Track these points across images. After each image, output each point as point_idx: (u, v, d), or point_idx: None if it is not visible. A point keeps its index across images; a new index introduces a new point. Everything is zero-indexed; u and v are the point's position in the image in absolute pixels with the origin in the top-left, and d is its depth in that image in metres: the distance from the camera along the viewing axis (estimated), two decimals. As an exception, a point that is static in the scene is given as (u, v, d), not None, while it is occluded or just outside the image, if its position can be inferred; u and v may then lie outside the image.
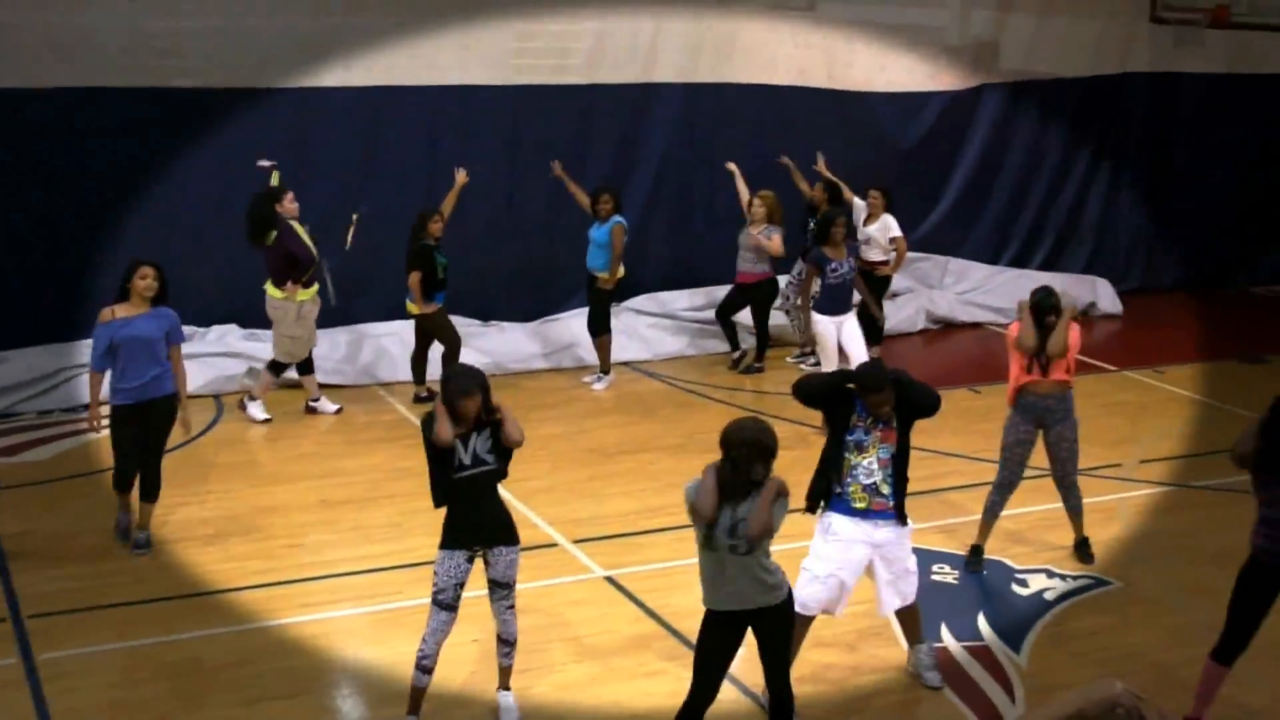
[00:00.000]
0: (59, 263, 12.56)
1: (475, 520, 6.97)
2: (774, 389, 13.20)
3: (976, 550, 9.27)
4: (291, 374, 12.38)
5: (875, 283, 13.82)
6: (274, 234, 11.61)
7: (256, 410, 11.95)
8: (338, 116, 13.33)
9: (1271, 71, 17.43)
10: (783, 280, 13.97)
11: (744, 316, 13.91)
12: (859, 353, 11.69)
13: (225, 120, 12.89)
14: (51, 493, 10.28)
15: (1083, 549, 9.37)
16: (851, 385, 7.38)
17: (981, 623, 8.45)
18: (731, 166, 13.94)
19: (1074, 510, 9.33)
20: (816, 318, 11.94)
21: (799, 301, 13.90)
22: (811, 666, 7.76)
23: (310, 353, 12.07)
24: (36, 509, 9.97)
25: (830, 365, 11.69)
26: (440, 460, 6.87)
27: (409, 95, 13.59)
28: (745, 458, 6.23)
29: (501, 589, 7.09)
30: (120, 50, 12.49)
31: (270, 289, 11.78)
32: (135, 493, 9.22)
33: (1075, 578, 9.11)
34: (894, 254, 13.57)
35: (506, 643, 7.22)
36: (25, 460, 10.99)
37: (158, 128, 12.74)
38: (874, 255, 13.65)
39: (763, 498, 6.23)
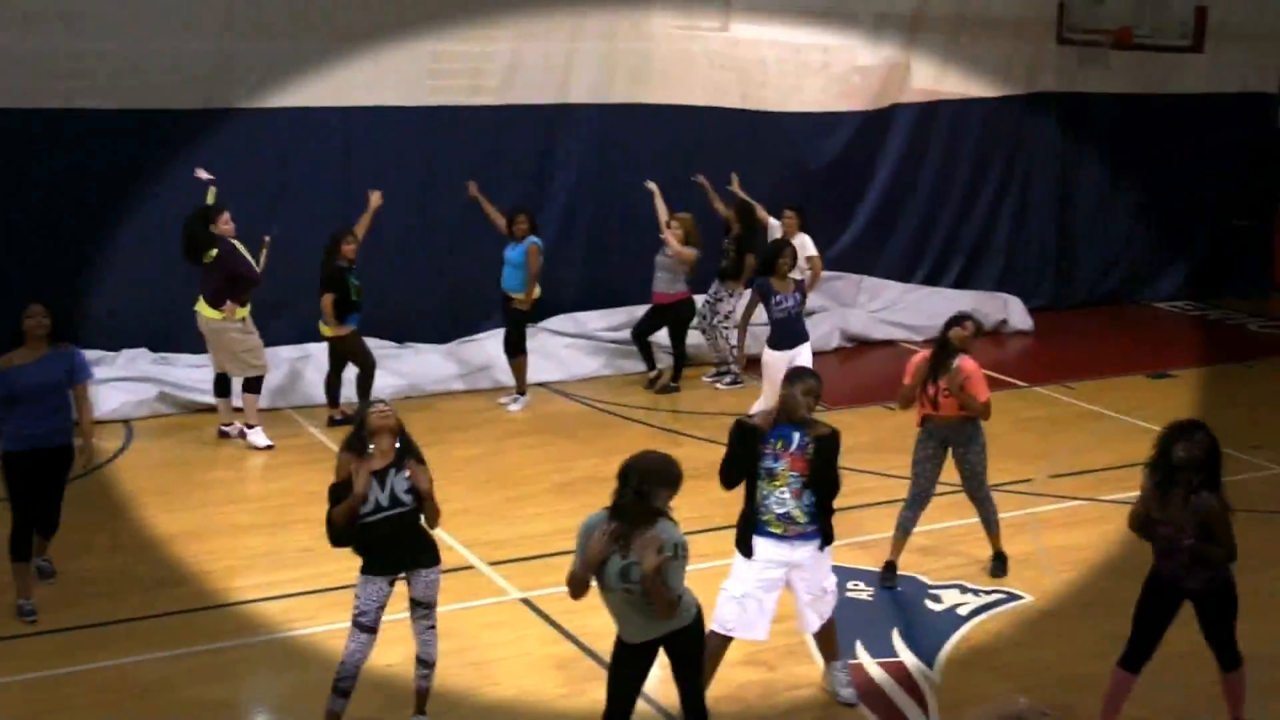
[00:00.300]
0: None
1: (396, 552, 6.96)
2: (691, 408, 13.23)
3: (890, 566, 9.34)
4: (209, 398, 12.23)
5: None
6: (214, 252, 11.46)
7: (258, 437, 11.77)
8: (250, 138, 13.19)
9: (1174, 91, 17.79)
10: (699, 299, 14.01)
11: (661, 336, 13.93)
12: None
13: (133, 142, 12.71)
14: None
15: (997, 563, 9.46)
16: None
17: (896, 639, 8.51)
18: (651, 186, 13.96)
19: (987, 523, 9.43)
20: (766, 352, 11.63)
21: (714, 321, 13.96)
22: (729, 685, 7.77)
23: (230, 378, 11.93)
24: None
25: (765, 402, 11.21)
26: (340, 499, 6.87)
27: (322, 117, 13.49)
28: (650, 487, 6.12)
29: (422, 608, 7.07)
30: (23, 71, 12.28)
31: (205, 310, 11.61)
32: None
33: (988, 592, 9.20)
34: (809, 273, 13.65)
35: (425, 664, 7.18)
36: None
37: (61, 152, 12.55)
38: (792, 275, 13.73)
39: (646, 563, 6.01)
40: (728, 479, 7.38)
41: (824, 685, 7.84)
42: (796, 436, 7.24)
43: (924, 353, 9.27)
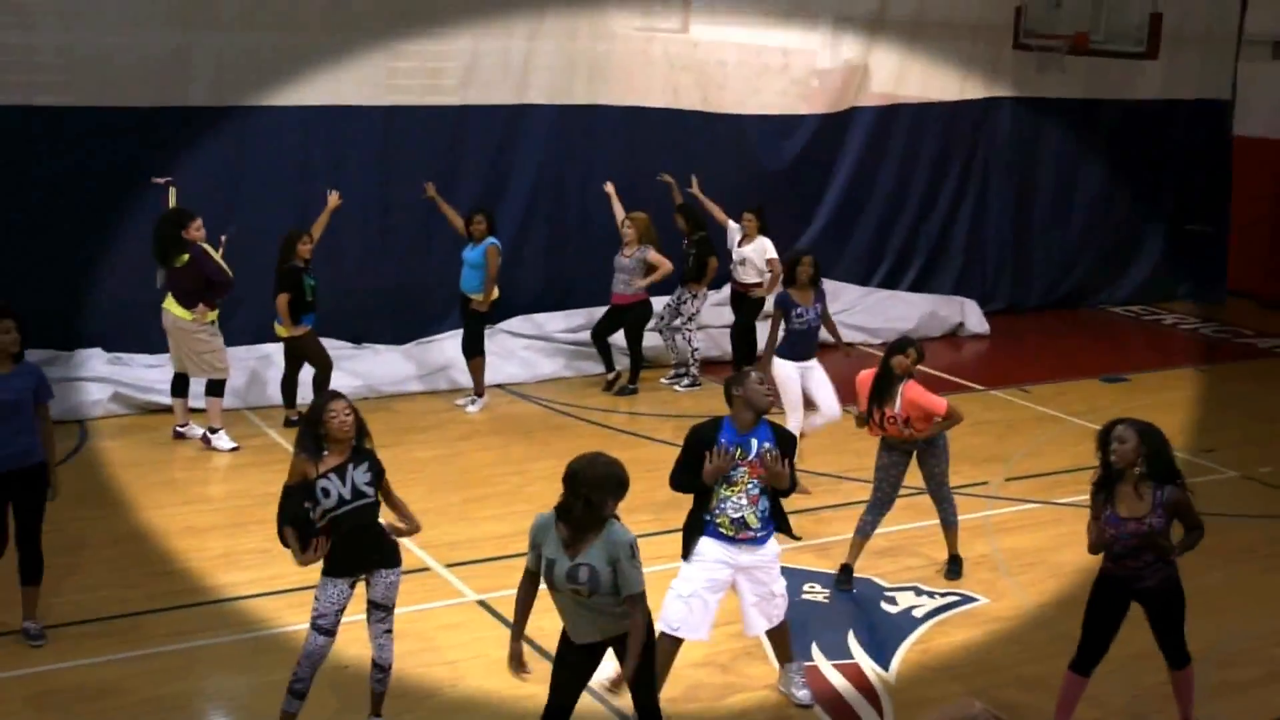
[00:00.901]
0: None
1: (358, 551, 6.91)
2: (649, 410, 13.25)
3: (846, 569, 9.37)
4: (165, 398, 12.15)
5: (749, 304, 13.96)
6: (185, 258, 11.40)
7: (222, 441, 11.68)
8: (205, 136, 13.11)
9: (1129, 97, 17.97)
10: (659, 302, 14.03)
11: (619, 338, 13.93)
12: (828, 400, 11.06)
13: (86, 139, 12.61)
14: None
15: (953, 565, 9.51)
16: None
17: (851, 641, 8.54)
18: (608, 187, 13.97)
19: (946, 525, 9.48)
20: (778, 363, 11.04)
21: (674, 323, 13.97)
22: (683, 686, 7.78)
23: (189, 378, 11.85)
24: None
25: (795, 415, 10.94)
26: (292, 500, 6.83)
27: (279, 115, 13.41)
28: (600, 496, 6.10)
29: (380, 610, 7.03)
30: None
31: (175, 308, 11.54)
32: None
33: (943, 594, 9.26)
34: (769, 276, 13.69)
35: (381, 668, 7.15)
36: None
37: (13, 146, 12.42)
38: (749, 277, 13.79)
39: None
40: (681, 485, 7.38)
41: (779, 687, 7.86)
42: (754, 444, 7.27)
43: (869, 372, 9.26)
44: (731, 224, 14.00)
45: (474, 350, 13.02)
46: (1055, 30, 15.58)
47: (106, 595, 8.85)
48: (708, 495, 7.31)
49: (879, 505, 9.32)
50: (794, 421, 10.91)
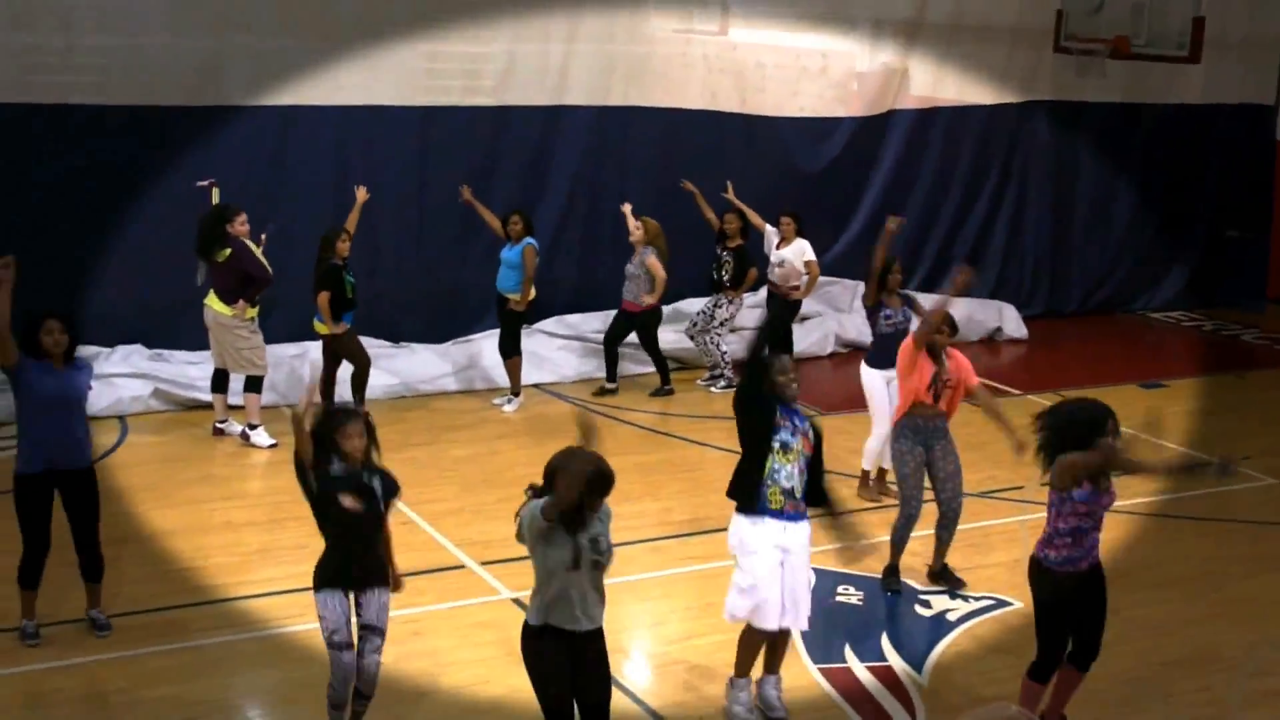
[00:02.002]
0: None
1: (356, 561, 6.87)
2: (682, 411, 13.26)
3: (893, 570, 9.33)
4: (205, 394, 12.26)
5: (787, 307, 13.94)
6: (227, 252, 11.50)
7: (261, 437, 11.77)
8: (243, 136, 13.21)
9: (1170, 101, 17.86)
10: (697, 304, 14.03)
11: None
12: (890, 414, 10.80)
13: (128, 139, 12.72)
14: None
15: (945, 574, 9.47)
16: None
17: (885, 643, 8.54)
18: (625, 208, 13.86)
19: (952, 530, 9.37)
20: (865, 371, 10.85)
21: (708, 325, 13.93)
22: (720, 685, 7.79)
23: (229, 375, 11.95)
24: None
25: (882, 426, 10.58)
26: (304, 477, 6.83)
27: (317, 115, 13.50)
28: (592, 499, 6.16)
29: (375, 636, 6.95)
30: (14, 66, 12.30)
31: (216, 304, 11.65)
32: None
33: (977, 598, 9.23)
34: (806, 279, 13.68)
35: (365, 697, 7.04)
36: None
37: (54, 146, 12.54)
38: (788, 280, 13.76)
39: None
40: (744, 395, 7.49)
41: (754, 701, 7.65)
42: (796, 420, 7.40)
43: (906, 342, 9.18)
44: (769, 228, 13.99)
45: (511, 350, 13.07)
46: (1096, 34, 15.51)
47: (144, 589, 8.93)
48: (762, 457, 7.32)
49: (915, 519, 9.20)
50: (880, 430, 10.66)
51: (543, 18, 14.33)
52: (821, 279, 14.96)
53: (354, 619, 6.91)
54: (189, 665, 8.00)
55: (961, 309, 16.00)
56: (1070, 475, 6.83)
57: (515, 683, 7.84)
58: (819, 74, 16.02)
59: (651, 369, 13.97)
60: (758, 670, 7.65)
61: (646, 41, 14.98)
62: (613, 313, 14.54)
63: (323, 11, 13.34)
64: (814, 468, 7.47)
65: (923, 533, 9.51)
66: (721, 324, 13.91)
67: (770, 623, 7.40)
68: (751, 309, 14.91)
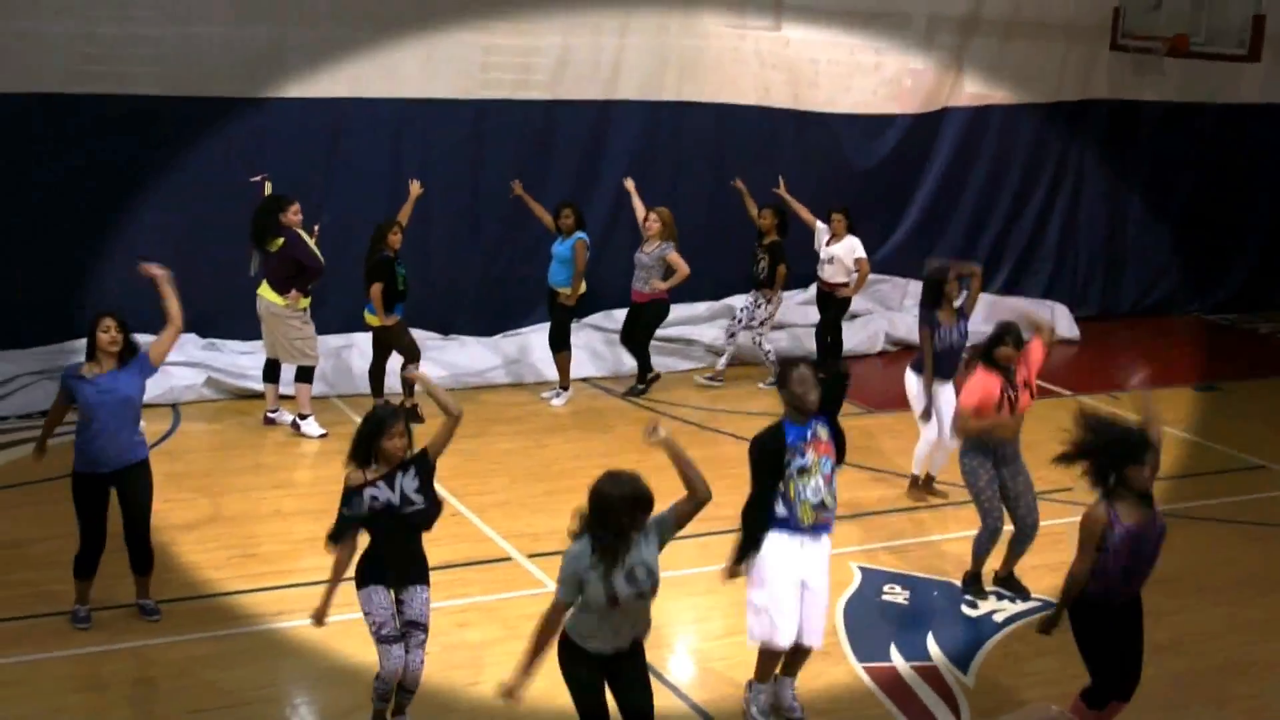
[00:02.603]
0: (8, 272, 12.47)
1: (398, 560, 6.94)
2: (730, 406, 13.24)
3: (975, 577, 9.27)
4: (256, 384, 12.36)
5: (835, 304, 13.91)
6: (280, 241, 11.60)
7: (311, 427, 11.87)
8: (299, 127, 13.30)
9: (1228, 101, 17.67)
10: (739, 302, 14.01)
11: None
12: (944, 428, 10.61)
13: (184, 129, 12.83)
14: (3, 500, 10.21)
15: (1010, 582, 9.39)
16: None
17: (930, 643, 8.50)
18: (628, 184, 13.88)
19: (1027, 544, 9.27)
20: (911, 379, 10.82)
21: (750, 325, 13.88)
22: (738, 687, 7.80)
23: (280, 365, 12.04)
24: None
25: (930, 432, 10.72)
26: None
27: (371, 107, 13.58)
28: (631, 520, 6.05)
29: (420, 631, 7.00)
30: (73, 56, 12.41)
31: (269, 293, 11.76)
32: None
33: (1025, 600, 9.17)
34: (856, 275, 13.64)
35: (409, 690, 7.11)
36: (-24, 466, 10.94)
37: (114, 136, 12.67)
38: (837, 276, 13.73)
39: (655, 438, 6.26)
40: (763, 501, 7.32)
41: (770, 700, 7.64)
42: (809, 430, 7.26)
43: (978, 379, 9.01)
44: (819, 224, 13.95)
45: (560, 344, 13.10)
46: (1154, 32, 15.39)
47: (194, 576, 9.03)
48: (769, 499, 7.25)
49: (998, 533, 9.11)
50: (929, 436, 10.70)
51: (596, 12, 14.34)
52: (872, 276, 14.92)
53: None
54: (237, 651, 8.08)
55: (1012, 309, 15.95)
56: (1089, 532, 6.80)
57: (560, 676, 7.88)
58: (872, 70, 15.94)
59: (693, 364, 13.95)
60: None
61: (699, 36, 14.96)
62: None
63: (379, 4, 13.42)
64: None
65: (962, 534, 9.47)
66: (762, 323, 13.87)
67: (785, 642, 7.39)
68: (802, 305, 14.89)
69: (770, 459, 7.24)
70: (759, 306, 13.81)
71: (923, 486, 11.00)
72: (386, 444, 6.79)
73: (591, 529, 6.08)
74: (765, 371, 13.84)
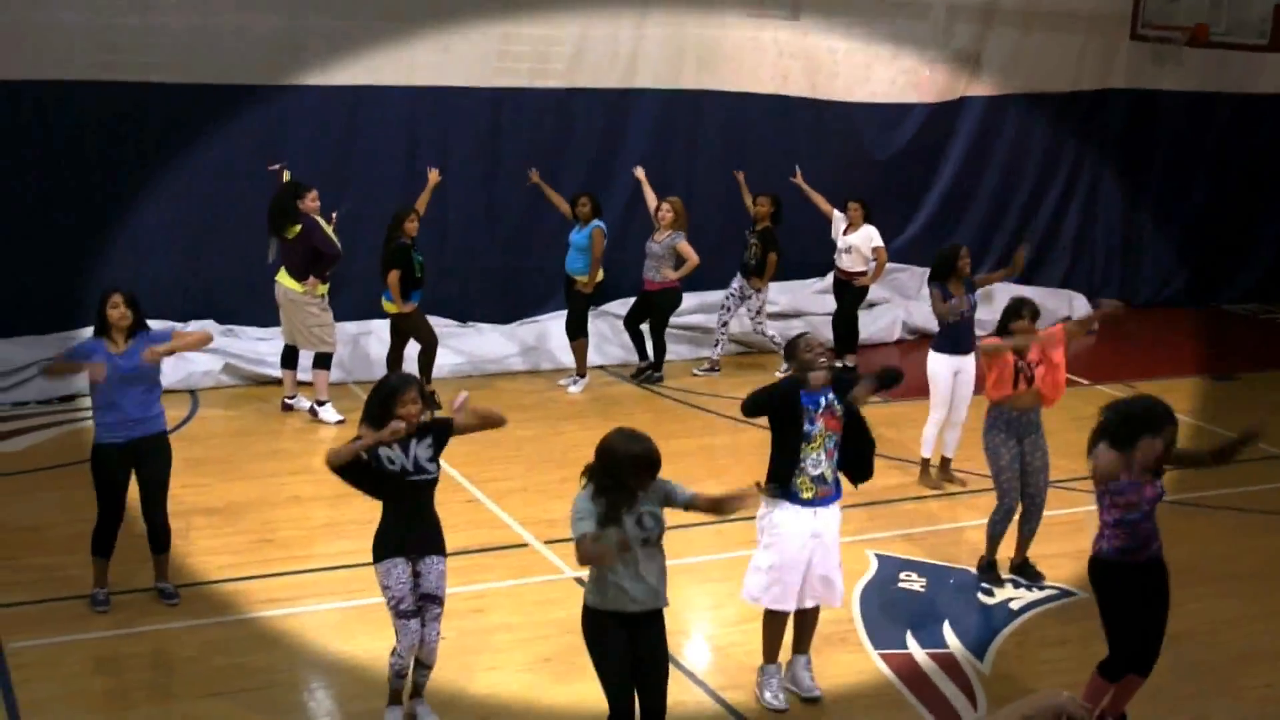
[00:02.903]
0: (33, 258, 12.52)
1: (414, 529, 6.95)
2: (732, 393, 13.23)
3: (992, 565, 9.27)
4: (274, 370, 12.41)
5: (852, 292, 13.90)
6: (298, 228, 11.62)
7: (329, 413, 11.91)
8: (316, 115, 13.34)
9: (1248, 91, 17.58)
10: (720, 294, 14.03)
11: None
12: (960, 408, 10.77)
13: (202, 117, 12.88)
14: (23, 484, 10.28)
15: (1027, 569, 9.39)
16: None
17: (947, 630, 8.50)
18: (638, 172, 13.93)
19: (1035, 523, 9.31)
20: (933, 357, 10.81)
21: (738, 311, 13.84)
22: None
23: (298, 351, 12.08)
24: (7, 500, 9.97)
25: (940, 412, 10.75)
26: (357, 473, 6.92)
27: (388, 95, 13.60)
28: (635, 479, 6.16)
29: (435, 605, 7.03)
30: (93, 45, 12.46)
31: (287, 280, 11.79)
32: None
33: (1041, 587, 9.17)
34: (874, 264, 13.63)
35: (426, 666, 7.14)
36: (-2, 451, 11.00)
37: (133, 124, 12.73)
38: (855, 265, 13.73)
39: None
40: (753, 410, 7.43)
41: (784, 680, 7.66)
42: (822, 400, 7.33)
43: (993, 340, 9.08)
44: (836, 213, 13.93)
45: (577, 331, 13.12)
46: (1174, 21, 15.32)
47: (212, 560, 9.06)
48: (794, 453, 7.30)
49: (1012, 512, 9.13)
50: (937, 416, 10.75)
51: (614, 1, 14.34)
52: (890, 265, 14.89)
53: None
54: (254, 636, 8.12)
55: (1032, 298, 15.89)
56: (1102, 472, 6.77)
57: (578, 660, 7.89)
58: (891, 60, 15.91)
59: (708, 352, 13.96)
60: (786, 654, 7.68)
61: (717, 25, 14.95)
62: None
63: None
64: (860, 444, 7.45)
65: (979, 522, 9.44)
66: (758, 311, 13.85)
67: (788, 604, 7.44)
68: (819, 294, 14.88)
69: (785, 401, 7.29)
70: (747, 296, 13.76)
71: (939, 472, 10.98)
72: (400, 410, 6.79)
73: (597, 480, 6.17)
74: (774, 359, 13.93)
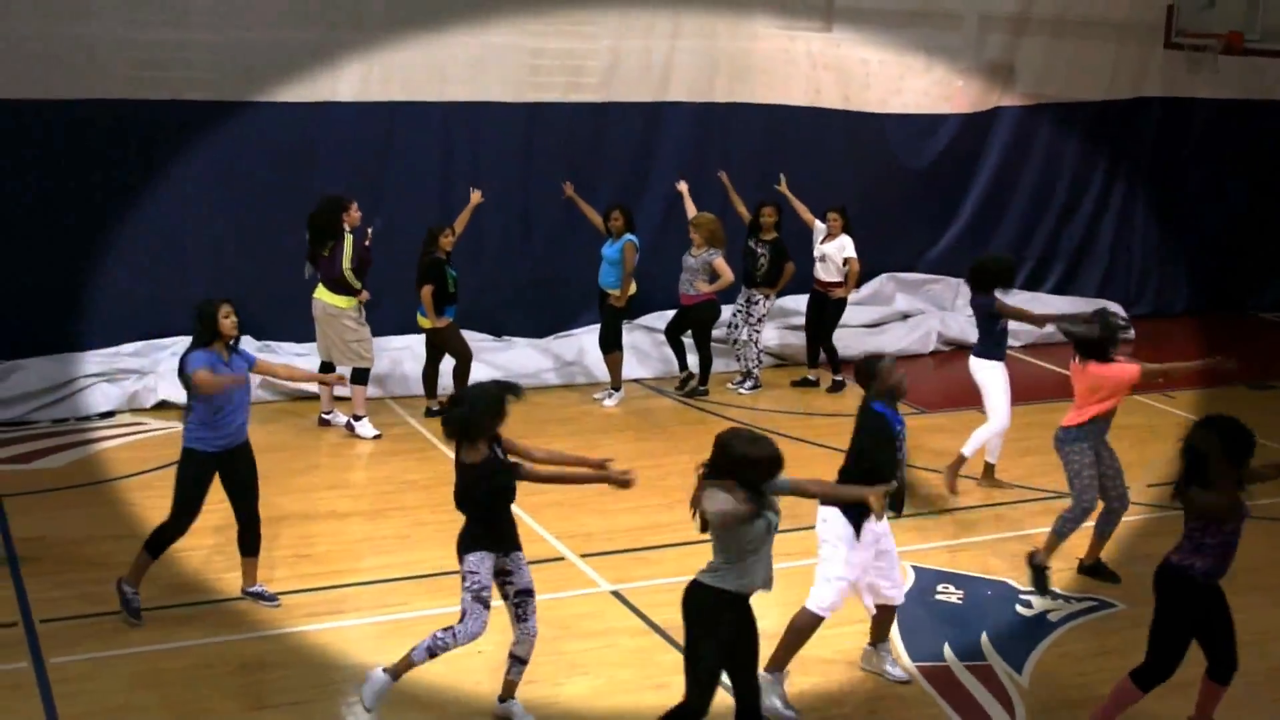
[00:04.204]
0: (70, 273, 12.63)
1: (508, 529, 7.19)
2: (783, 407, 13.24)
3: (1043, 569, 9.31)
4: (310, 385, 12.46)
5: (832, 305, 13.80)
6: (332, 244, 11.71)
7: (365, 429, 11.97)
8: (352, 130, 13.41)
9: (1284, 98, 17.51)
10: (729, 310, 13.96)
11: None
12: (1004, 409, 11.00)
13: (239, 133, 12.98)
14: (64, 500, 10.36)
15: (1102, 572, 9.47)
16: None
17: (985, 642, 8.48)
18: (681, 186, 13.92)
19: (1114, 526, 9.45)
20: (985, 365, 10.89)
21: (749, 322, 13.77)
22: (813, 679, 7.80)
23: (334, 367, 12.13)
24: (49, 516, 10.05)
25: (999, 418, 10.90)
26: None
27: (423, 110, 13.67)
28: (771, 474, 6.44)
29: (530, 598, 7.23)
30: (133, 62, 12.56)
31: (325, 295, 11.86)
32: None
33: (1079, 599, 9.14)
34: (847, 274, 13.55)
35: (523, 661, 7.32)
36: (38, 468, 11.09)
37: (169, 140, 12.81)
38: (830, 275, 13.65)
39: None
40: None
41: (864, 665, 8.02)
42: (902, 420, 7.78)
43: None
44: (817, 223, 13.82)
45: (611, 345, 13.14)
46: (1208, 29, 15.22)
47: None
48: (889, 467, 7.54)
49: (1088, 513, 9.27)
50: (997, 424, 10.88)
51: (647, 14, 14.39)
52: (924, 276, 14.87)
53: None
54: (293, 650, 8.16)
55: (1067, 308, 15.84)
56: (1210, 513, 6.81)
57: (613, 673, 7.94)
58: (923, 70, 15.89)
59: (735, 365, 13.93)
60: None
61: (750, 38, 14.97)
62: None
63: (431, 7, 13.50)
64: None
65: (1018, 533, 9.43)
66: (759, 321, 13.80)
67: (840, 605, 7.69)
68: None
69: (888, 429, 7.59)
70: (754, 304, 13.72)
71: (988, 479, 11.14)
72: (494, 422, 7.04)
73: (740, 479, 6.37)
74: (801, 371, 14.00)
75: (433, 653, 7.09)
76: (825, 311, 13.79)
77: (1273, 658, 8.29)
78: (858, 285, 14.34)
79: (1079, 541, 9.42)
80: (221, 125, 12.94)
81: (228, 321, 8.29)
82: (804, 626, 7.63)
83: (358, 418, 12.01)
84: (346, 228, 11.71)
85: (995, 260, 11.14)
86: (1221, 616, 7.03)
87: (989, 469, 11.10)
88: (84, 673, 7.78)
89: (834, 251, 13.56)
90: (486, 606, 7.03)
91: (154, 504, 8.92)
